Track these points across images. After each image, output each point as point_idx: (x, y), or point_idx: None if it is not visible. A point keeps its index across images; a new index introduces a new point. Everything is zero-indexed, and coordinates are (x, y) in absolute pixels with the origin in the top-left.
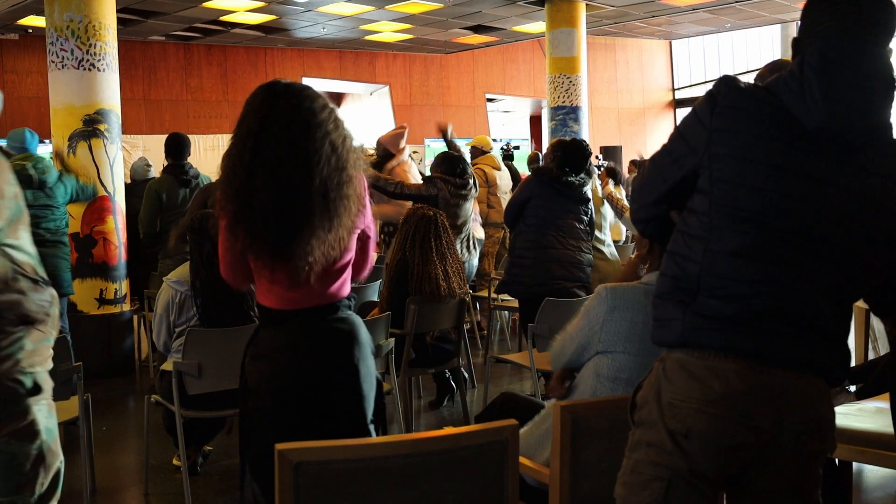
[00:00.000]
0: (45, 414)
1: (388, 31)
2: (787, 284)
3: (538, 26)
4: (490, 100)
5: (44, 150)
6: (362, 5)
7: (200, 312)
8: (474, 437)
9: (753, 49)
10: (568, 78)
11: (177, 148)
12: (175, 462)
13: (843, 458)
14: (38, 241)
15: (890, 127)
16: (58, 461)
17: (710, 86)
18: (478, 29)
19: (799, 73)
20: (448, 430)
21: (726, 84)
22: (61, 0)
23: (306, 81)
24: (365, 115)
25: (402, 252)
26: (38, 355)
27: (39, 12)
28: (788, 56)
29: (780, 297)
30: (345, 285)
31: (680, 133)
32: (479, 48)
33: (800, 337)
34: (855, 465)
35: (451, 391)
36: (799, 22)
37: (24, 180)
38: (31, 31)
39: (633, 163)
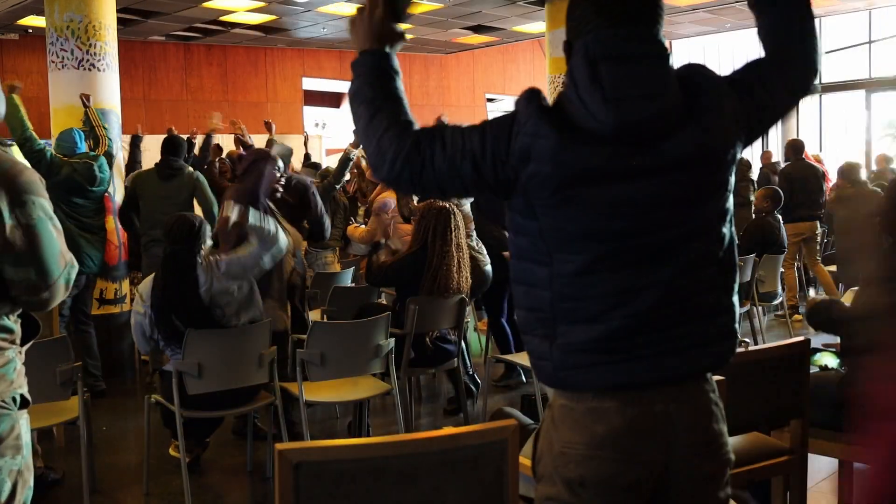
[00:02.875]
0: (26, 428)
1: None
2: (639, 286)
3: (538, 26)
4: (490, 100)
5: None
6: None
7: (162, 331)
8: (474, 437)
9: (753, 49)
10: None
11: (171, 146)
12: (172, 452)
13: (844, 458)
14: (86, 227)
15: (678, 93)
16: (31, 478)
17: None
18: (478, 29)
19: (572, 83)
20: (448, 430)
21: (528, 106)
22: (61, 0)
23: (306, 81)
24: None
25: (422, 244)
26: (23, 374)
27: (39, 12)
28: None
29: (636, 302)
30: None
31: (483, 134)
32: (479, 48)
33: (670, 341)
34: (855, 465)
35: (472, 394)
36: (566, 23)
37: (88, 180)
38: (31, 31)
39: None
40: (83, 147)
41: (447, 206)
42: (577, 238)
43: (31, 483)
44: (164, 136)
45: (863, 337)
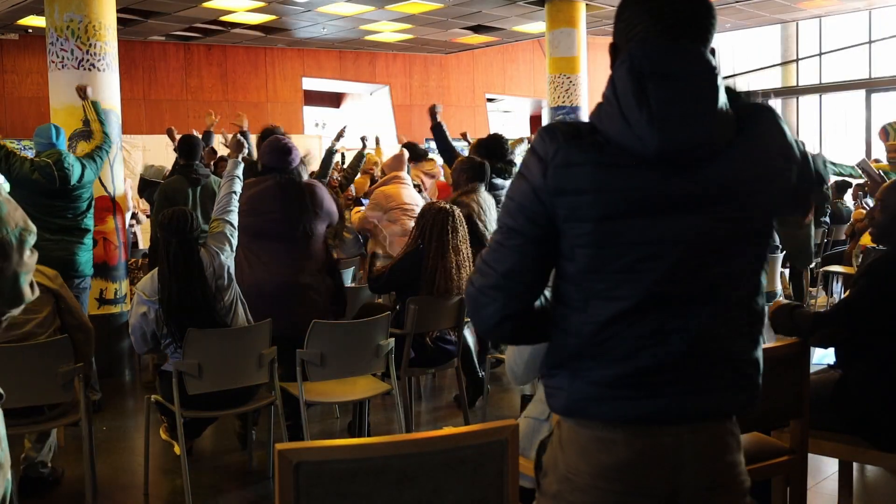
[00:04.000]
0: (1, 422)
1: (388, 31)
2: (672, 328)
3: (538, 26)
4: (490, 100)
5: None
6: (362, 5)
7: (171, 330)
8: (474, 437)
9: (753, 49)
10: (568, 78)
11: (188, 149)
12: (162, 435)
13: (844, 458)
14: (59, 228)
15: (732, 123)
16: (9, 472)
17: None
18: (478, 29)
19: (614, 98)
20: (448, 430)
21: (550, 139)
22: (61, 0)
23: (306, 81)
24: (365, 115)
25: (417, 244)
26: None
27: (39, 12)
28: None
29: (668, 344)
30: None
31: (516, 204)
32: (479, 48)
33: (694, 382)
34: (855, 465)
35: (483, 392)
36: (614, 23)
37: (48, 179)
38: (31, 31)
39: None
40: (62, 143)
41: (446, 206)
42: (617, 281)
43: (10, 477)
44: (164, 137)
45: (819, 338)
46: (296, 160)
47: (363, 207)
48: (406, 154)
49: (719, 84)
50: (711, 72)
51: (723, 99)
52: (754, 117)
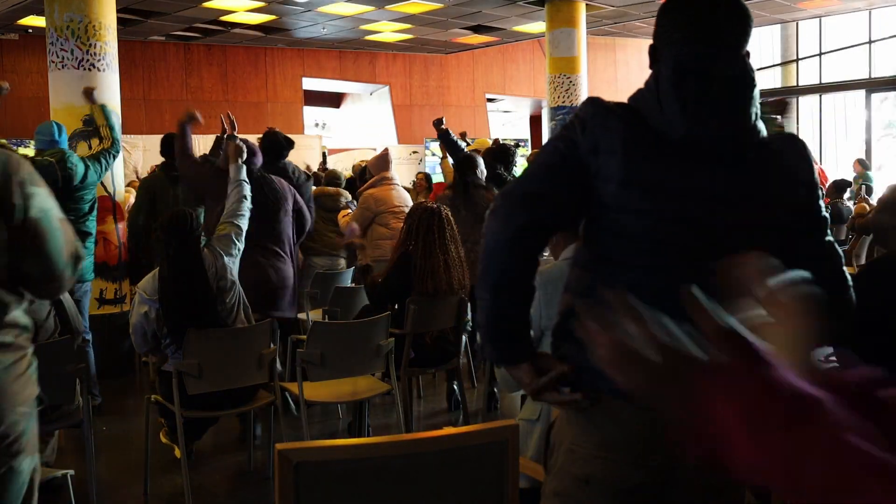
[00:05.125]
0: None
1: (388, 31)
2: (673, 314)
3: (538, 26)
4: (490, 100)
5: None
6: (362, 5)
7: (171, 330)
8: (474, 437)
9: (753, 49)
10: (568, 78)
11: (169, 147)
12: (162, 439)
13: None
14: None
15: (758, 131)
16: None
17: None
18: (478, 29)
19: (654, 86)
20: (448, 430)
21: (592, 104)
22: (61, 0)
23: (306, 81)
24: (365, 116)
25: (406, 246)
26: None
27: (39, 12)
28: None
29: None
30: None
31: (551, 147)
32: (479, 48)
33: None
34: None
35: (494, 396)
36: (654, 28)
37: (50, 178)
38: (31, 31)
39: None
40: (65, 141)
41: (432, 206)
42: (635, 246)
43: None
44: (162, 136)
45: None
46: (258, 162)
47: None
48: (390, 153)
49: (754, 92)
50: (747, 77)
51: (755, 106)
52: (788, 140)
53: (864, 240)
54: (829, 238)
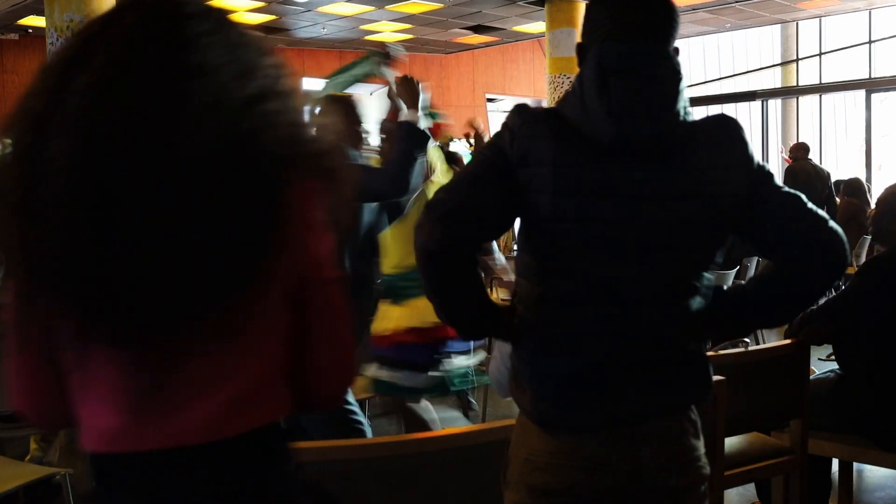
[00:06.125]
0: None
1: (388, 31)
2: (624, 325)
3: (538, 26)
4: (490, 100)
5: None
6: (362, 5)
7: None
8: (474, 437)
9: (753, 49)
10: (568, 78)
11: None
12: None
13: (844, 458)
14: None
15: (688, 125)
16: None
17: (710, 86)
18: (478, 29)
19: (579, 89)
20: (448, 430)
21: (519, 114)
22: (61, 0)
23: (306, 82)
24: (365, 116)
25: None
26: None
27: (39, 12)
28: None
29: (615, 339)
30: (255, 399)
31: (482, 157)
32: (479, 48)
33: (646, 380)
34: (855, 465)
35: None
36: (582, 25)
37: None
38: (31, 31)
39: None
40: None
41: None
42: (572, 252)
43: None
44: None
45: (807, 335)
46: None
47: None
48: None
49: (681, 86)
50: (674, 72)
51: (683, 101)
52: (718, 125)
53: (864, 240)
54: (784, 188)
